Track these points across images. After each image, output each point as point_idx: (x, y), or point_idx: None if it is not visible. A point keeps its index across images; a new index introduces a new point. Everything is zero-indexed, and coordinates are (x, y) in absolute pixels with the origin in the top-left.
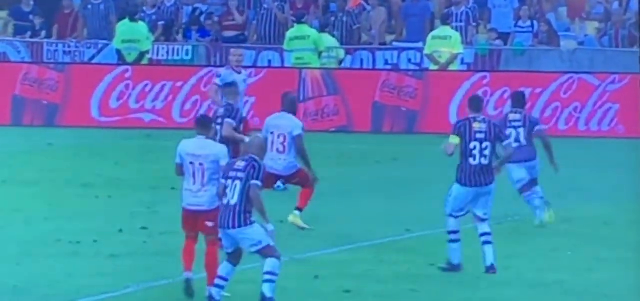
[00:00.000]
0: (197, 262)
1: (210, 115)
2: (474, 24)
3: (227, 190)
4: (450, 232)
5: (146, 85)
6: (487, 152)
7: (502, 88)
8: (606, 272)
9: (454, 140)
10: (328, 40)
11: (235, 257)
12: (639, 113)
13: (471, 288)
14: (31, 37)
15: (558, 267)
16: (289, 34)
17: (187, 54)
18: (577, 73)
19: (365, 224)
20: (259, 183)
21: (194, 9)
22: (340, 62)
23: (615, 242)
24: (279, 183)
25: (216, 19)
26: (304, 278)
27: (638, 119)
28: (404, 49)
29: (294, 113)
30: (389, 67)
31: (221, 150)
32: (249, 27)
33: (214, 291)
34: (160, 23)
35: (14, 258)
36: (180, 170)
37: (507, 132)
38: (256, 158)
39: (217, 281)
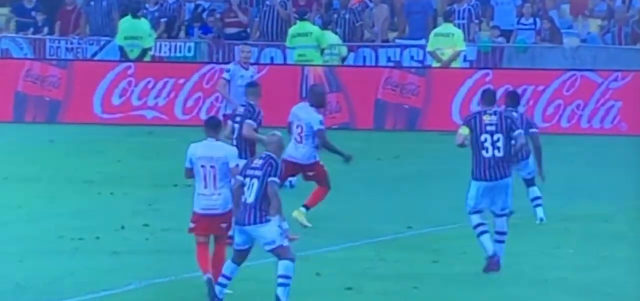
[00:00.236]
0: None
1: (219, 113)
2: (477, 21)
3: (245, 188)
4: (476, 226)
5: (148, 82)
6: (499, 144)
7: (505, 85)
8: (608, 270)
9: (464, 131)
10: (330, 37)
11: (240, 257)
12: None
13: (473, 286)
14: (33, 33)
15: (560, 265)
16: (292, 30)
17: (189, 51)
18: (579, 70)
19: (367, 221)
20: (276, 180)
21: (196, 6)
22: (343, 59)
23: (617, 240)
24: (290, 179)
25: (218, 15)
26: (305, 275)
27: None
28: (407, 46)
29: (320, 106)
30: (391, 64)
31: (231, 151)
32: (252, 23)
33: (218, 289)
34: (163, 20)
35: (16, 255)
36: (189, 174)
37: None
38: (273, 156)
39: (220, 279)
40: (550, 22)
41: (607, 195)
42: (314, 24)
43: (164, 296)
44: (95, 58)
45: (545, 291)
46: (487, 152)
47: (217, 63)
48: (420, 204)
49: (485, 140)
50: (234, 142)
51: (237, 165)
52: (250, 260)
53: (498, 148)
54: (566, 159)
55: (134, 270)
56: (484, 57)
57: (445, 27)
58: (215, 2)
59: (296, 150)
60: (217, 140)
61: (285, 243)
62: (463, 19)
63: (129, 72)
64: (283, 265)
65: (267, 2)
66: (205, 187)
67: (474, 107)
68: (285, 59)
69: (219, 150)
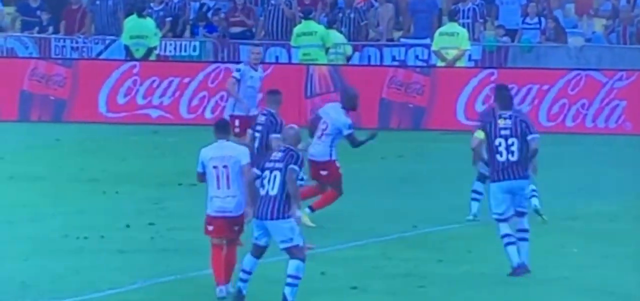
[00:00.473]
0: (205, 257)
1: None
2: (481, 20)
3: (265, 181)
4: (503, 236)
5: (153, 81)
6: (513, 148)
7: (510, 85)
8: (612, 269)
9: (479, 135)
10: (335, 36)
11: (259, 251)
12: None
13: (478, 285)
14: (39, 32)
15: (564, 264)
16: (296, 29)
17: (194, 50)
18: (584, 70)
19: (372, 220)
20: (296, 168)
21: (201, 5)
22: (348, 58)
23: (622, 239)
24: (301, 175)
25: (223, 15)
26: (310, 274)
27: None
28: (412, 45)
29: (352, 109)
30: (396, 63)
31: (242, 150)
32: (257, 23)
33: (242, 285)
34: (168, 19)
35: (22, 253)
36: (201, 179)
37: None
38: (293, 148)
39: (241, 275)
40: (555, 21)
41: (611, 195)
42: (319, 23)
43: (169, 295)
44: (101, 57)
45: (549, 290)
46: (501, 156)
47: (222, 62)
48: (425, 203)
49: (500, 144)
50: (255, 151)
51: (248, 164)
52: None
53: (512, 152)
54: (571, 158)
55: (139, 269)
56: (489, 57)
57: (450, 26)
58: (220, 1)
59: (312, 146)
60: (227, 140)
61: (301, 243)
62: (468, 18)
63: (134, 71)
64: (294, 265)
65: (272, 1)
66: (218, 187)
67: (479, 107)
68: (290, 58)
69: (230, 149)
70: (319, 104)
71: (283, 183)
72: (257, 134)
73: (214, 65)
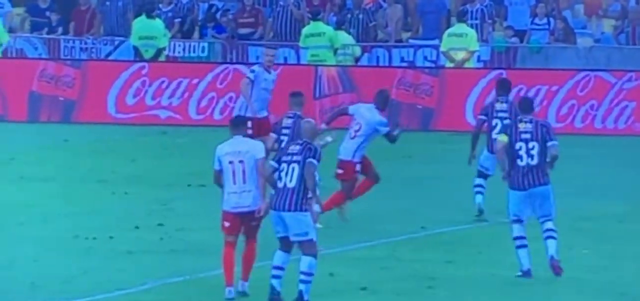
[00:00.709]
0: (215, 257)
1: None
2: (490, 21)
3: (282, 174)
4: (515, 238)
5: (162, 81)
6: (534, 152)
7: (518, 86)
8: (623, 270)
9: (503, 138)
10: (344, 37)
11: (287, 244)
12: None
13: (487, 287)
14: (48, 33)
15: (574, 265)
16: (305, 30)
17: (203, 51)
18: (593, 70)
19: (381, 221)
20: (314, 161)
21: (210, 6)
22: (357, 59)
23: (632, 239)
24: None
25: (231, 15)
26: (319, 275)
27: None
28: (420, 46)
29: (385, 108)
30: (404, 64)
31: (258, 145)
32: (265, 24)
33: (275, 282)
34: (177, 20)
35: (31, 254)
36: (218, 177)
37: (493, 122)
38: (310, 141)
39: (273, 272)
40: (564, 22)
41: (621, 195)
42: (327, 24)
43: (178, 296)
44: (110, 58)
45: (559, 291)
46: (521, 160)
47: (231, 63)
48: (434, 204)
49: (520, 148)
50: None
51: (263, 158)
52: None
53: (532, 156)
54: (580, 159)
55: (148, 270)
56: (498, 57)
57: (458, 27)
58: (228, 2)
59: (342, 145)
60: (243, 136)
61: (315, 238)
62: (476, 19)
63: (143, 72)
64: (306, 262)
65: (281, 2)
66: (234, 183)
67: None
68: (298, 59)
69: (245, 144)
70: (327, 105)
71: (301, 176)
72: (283, 137)
73: (222, 66)
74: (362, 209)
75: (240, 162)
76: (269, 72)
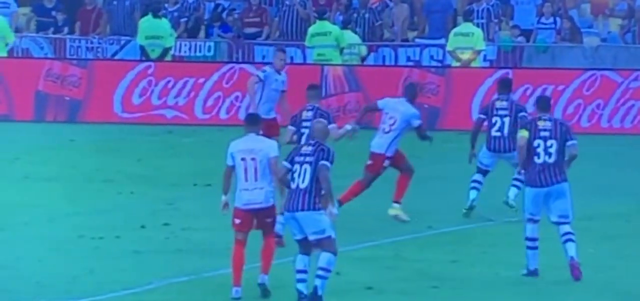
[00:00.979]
0: (220, 257)
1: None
2: (496, 20)
3: (295, 175)
4: (527, 239)
5: (168, 81)
6: (552, 150)
7: (525, 85)
8: (628, 269)
9: (524, 133)
10: (350, 36)
11: (306, 247)
12: None
13: (492, 286)
14: (54, 33)
15: (580, 264)
16: (311, 30)
17: (209, 50)
18: (599, 70)
19: (387, 221)
20: (328, 164)
21: (216, 6)
22: (363, 58)
23: (638, 239)
24: None
25: (237, 15)
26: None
27: None
28: (426, 46)
29: (415, 99)
30: (411, 63)
31: (271, 144)
32: (271, 23)
33: (301, 286)
34: (183, 20)
35: (37, 254)
36: (229, 172)
37: (493, 120)
38: (322, 142)
39: (297, 276)
40: (570, 21)
41: (627, 195)
42: (333, 23)
43: (184, 295)
44: (116, 57)
45: (565, 290)
46: (538, 157)
47: (237, 62)
48: (440, 204)
49: (538, 145)
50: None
51: (276, 157)
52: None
53: (550, 154)
54: (586, 159)
55: (154, 269)
56: (504, 57)
57: (464, 27)
58: (234, 1)
59: (375, 138)
60: (257, 134)
61: (333, 235)
62: (482, 18)
63: (149, 71)
64: (325, 258)
65: (287, 2)
66: (246, 180)
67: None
68: (304, 58)
69: (259, 142)
70: (333, 105)
71: (313, 177)
72: (304, 130)
73: (228, 66)
74: (367, 208)
75: (253, 159)
76: (279, 73)
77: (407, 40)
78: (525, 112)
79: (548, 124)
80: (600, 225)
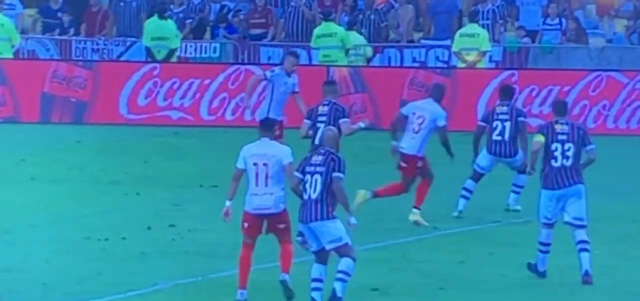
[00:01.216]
0: (226, 259)
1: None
2: (501, 21)
3: (307, 185)
4: (541, 243)
5: (174, 82)
6: (569, 153)
7: (530, 86)
8: (635, 270)
9: (540, 138)
10: (355, 37)
11: (322, 257)
12: None
13: (499, 287)
14: (60, 34)
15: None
16: (316, 31)
17: (214, 52)
18: (605, 71)
19: (393, 221)
20: (341, 175)
21: (222, 7)
22: (368, 59)
23: None
24: None
25: (242, 16)
26: (331, 276)
27: None
28: (432, 47)
29: (442, 99)
30: (416, 64)
31: (285, 150)
32: (276, 24)
33: (316, 294)
34: (188, 21)
35: (43, 255)
36: (238, 175)
37: (493, 124)
38: (333, 150)
39: (314, 285)
40: (575, 22)
41: (633, 196)
42: (339, 24)
43: (190, 297)
44: (121, 59)
45: (571, 292)
46: (556, 161)
47: (243, 64)
48: (446, 205)
49: (556, 149)
50: (317, 141)
51: (290, 163)
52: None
53: (567, 157)
54: None
55: (160, 271)
56: (510, 58)
57: (470, 28)
58: (240, 2)
59: (405, 140)
60: (271, 139)
61: (350, 242)
62: (487, 19)
63: (155, 72)
64: (345, 262)
65: (292, 3)
66: (257, 185)
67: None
68: (310, 59)
69: (272, 147)
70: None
71: (324, 186)
72: (319, 124)
73: (234, 67)
74: (373, 209)
75: (265, 164)
76: (289, 76)
77: (412, 41)
78: (525, 116)
79: (565, 128)
80: (606, 226)
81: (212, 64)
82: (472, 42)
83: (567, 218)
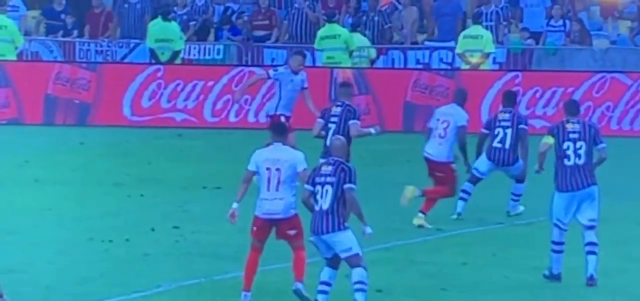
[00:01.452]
0: (230, 260)
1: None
2: (505, 23)
3: (318, 196)
4: (553, 242)
5: (178, 84)
6: (581, 152)
7: (534, 87)
8: (639, 272)
9: (548, 139)
10: (359, 39)
11: (334, 262)
12: None
13: (502, 289)
14: (63, 36)
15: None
16: (320, 33)
17: (218, 53)
18: (609, 72)
19: (397, 223)
20: (353, 186)
21: (226, 9)
22: (372, 61)
23: None
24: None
25: (246, 18)
26: (338, 279)
27: None
28: (436, 48)
29: (463, 104)
30: (420, 66)
31: (298, 156)
32: (280, 26)
33: (321, 297)
34: (192, 23)
35: (46, 256)
36: (249, 177)
37: (495, 131)
38: (342, 160)
39: (320, 287)
40: (579, 23)
41: (637, 197)
42: (342, 26)
43: (194, 299)
44: (125, 61)
45: (575, 293)
46: (568, 159)
47: (246, 65)
48: (450, 206)
49: (568, 147)
50: (328, 142)
51: (305, 169)
52: (278, 262)
53: (579, 156)
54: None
55: (164, 272)
56: (514, 59)
57: (474, 29)
58: (244, 4)
59: (432, 147)
60: (284, 144)
61: (361, 252)
62: (491, 21)
63: (159, 74)
64: (358, 272)
65: (296, 5)
66: (268, 189)
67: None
68: (314, 61)
69: (286, 153)
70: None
71: (335, 197)
72: (331, 125)
73: (238, 69)
74: (377, 211)
75: (277, 170)
76: (296, 74)
77: (416, 43)
78: (526, 124)
79: (577, 126)
80: (610, 228)
81: (216, 66)
82: (476, 43)
83: (582, 220)
